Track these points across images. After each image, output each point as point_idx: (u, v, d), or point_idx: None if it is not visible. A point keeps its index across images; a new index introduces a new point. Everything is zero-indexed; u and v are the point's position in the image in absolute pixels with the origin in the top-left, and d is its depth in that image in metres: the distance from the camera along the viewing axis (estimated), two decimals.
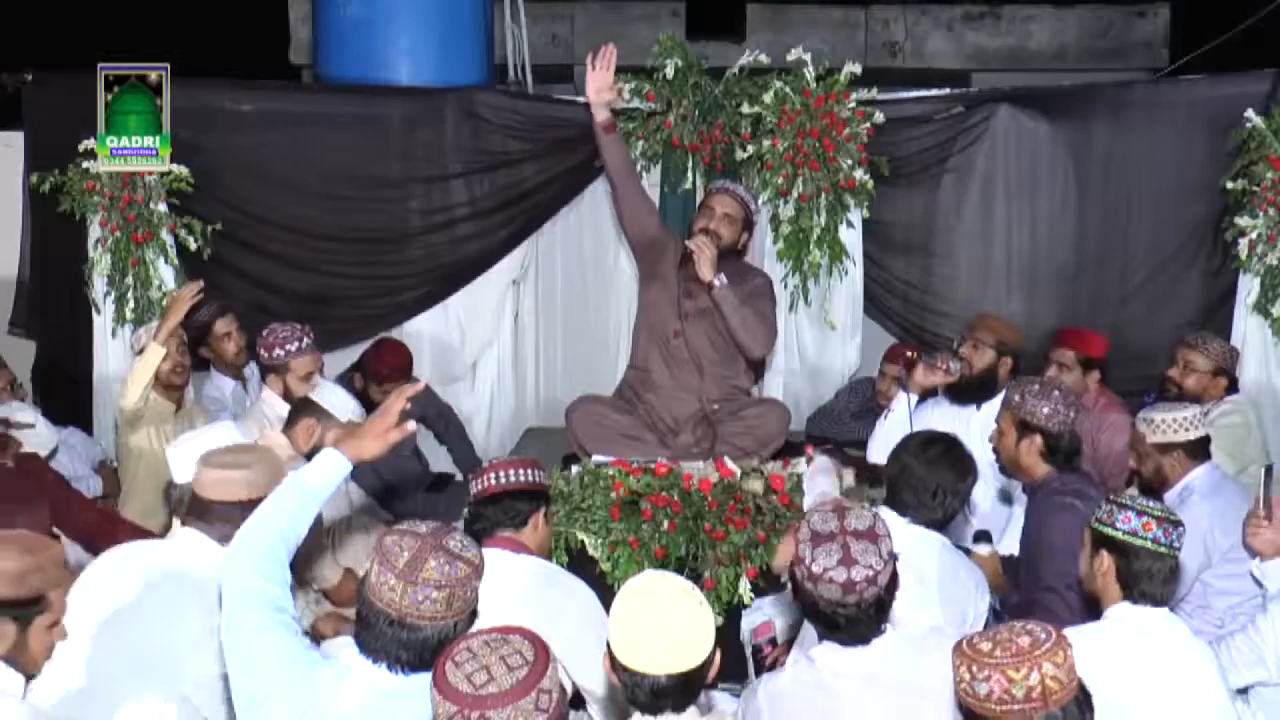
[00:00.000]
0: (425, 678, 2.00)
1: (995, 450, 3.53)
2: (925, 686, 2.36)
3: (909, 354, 4.36)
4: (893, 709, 2.38)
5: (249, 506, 2.58)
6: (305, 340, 4.16)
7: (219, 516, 2.66)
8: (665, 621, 2.04)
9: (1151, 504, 2.76)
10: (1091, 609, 2.81)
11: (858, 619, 2.36)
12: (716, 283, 4.28)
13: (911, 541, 2.87)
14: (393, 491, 4.67)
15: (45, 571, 2.39)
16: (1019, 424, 3.44)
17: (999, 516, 3.97)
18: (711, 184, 4.70)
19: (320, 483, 2.41)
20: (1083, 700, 2.05)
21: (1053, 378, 4.39)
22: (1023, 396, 3.44)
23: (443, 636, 2.06)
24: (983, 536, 3.49)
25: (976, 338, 4.28)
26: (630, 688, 2.06)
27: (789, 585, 2.55)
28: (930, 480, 3.02)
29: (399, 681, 2.09)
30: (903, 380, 4.37)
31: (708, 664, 2.11)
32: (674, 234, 4.60)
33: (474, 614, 2.15)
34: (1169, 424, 3.60)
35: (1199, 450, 3.63)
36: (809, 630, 2.75)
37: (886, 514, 2.98)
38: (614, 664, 2.09)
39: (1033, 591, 3.28)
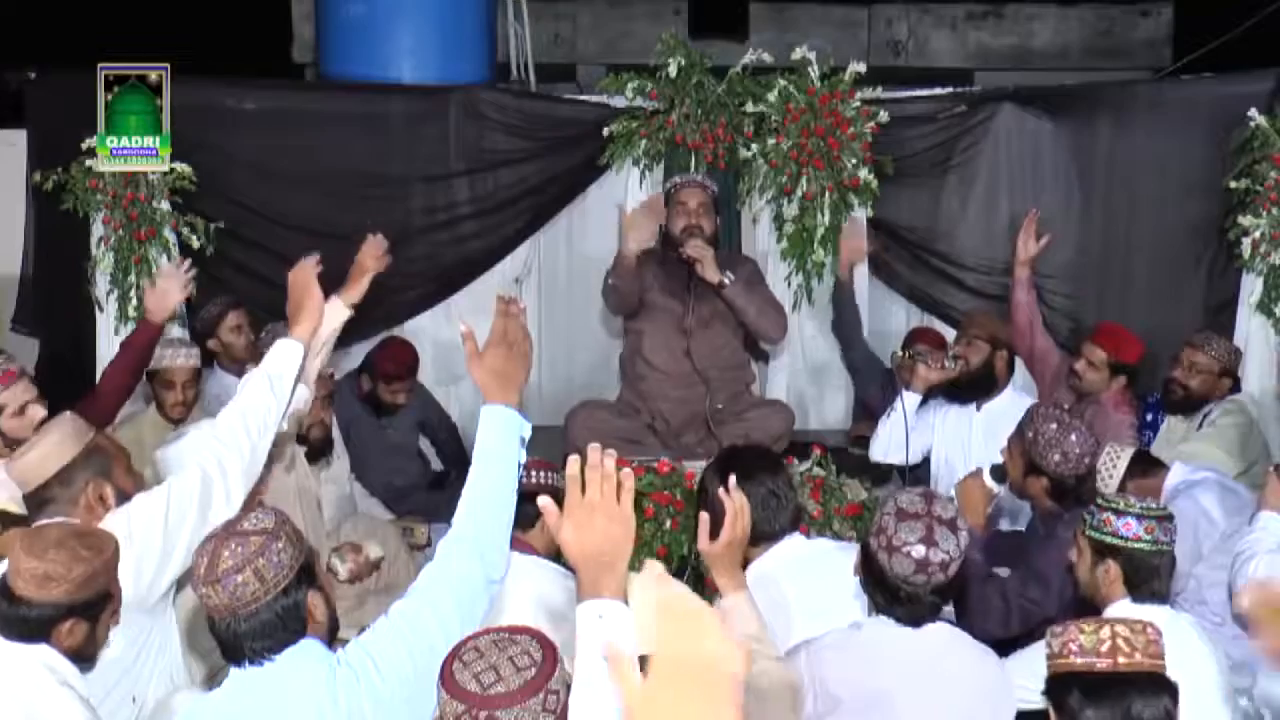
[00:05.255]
0: (290, 653, 2.06)
1: (1005, 466, 3.40)
2: (962, 681, 2.39)
3: (903, 354, 4.34)
4: (926, 693, 2.43)
5: (66, 473, 2.62)
6: None
7: (51, 498, 2.65)
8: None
9: (1144, 504, 2.77)
10: (1085, 609, 2.80)
11: (919, 599, 2.44)
12: (726, 281, 4.26)
13: (839, 556, 2.86)
14: (395, 491, 4.68)
15: (110, 569, 2.40)
16: (1027, 461, 3.32)
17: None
18: (672, 180, 4.60)
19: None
20: (1160, 681, 2.06)
21: (1080, 371, 4.39)
22: (1036, 435, 3.28)
23: (284, 609, 2.07)
24: (997, 473, 3.36)
25: (970, 335, 4.28)
26: None
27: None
28: (759, 490, 2.88)
29: (267, 669, 2.08)
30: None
31: None
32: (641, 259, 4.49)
33: (308, 571, 2.14)
34: (1102, 483, 3.48)
35: (1146, 469, 3.57)
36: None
37: (779, 550, 2.92)
38: None
39: (984, 580, 3.27)
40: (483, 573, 2.16)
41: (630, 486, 1.78)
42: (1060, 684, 2.11)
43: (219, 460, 2.63)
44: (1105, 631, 2.05)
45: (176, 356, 4.25)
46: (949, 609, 3.31)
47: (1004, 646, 3.36)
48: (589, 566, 1.75)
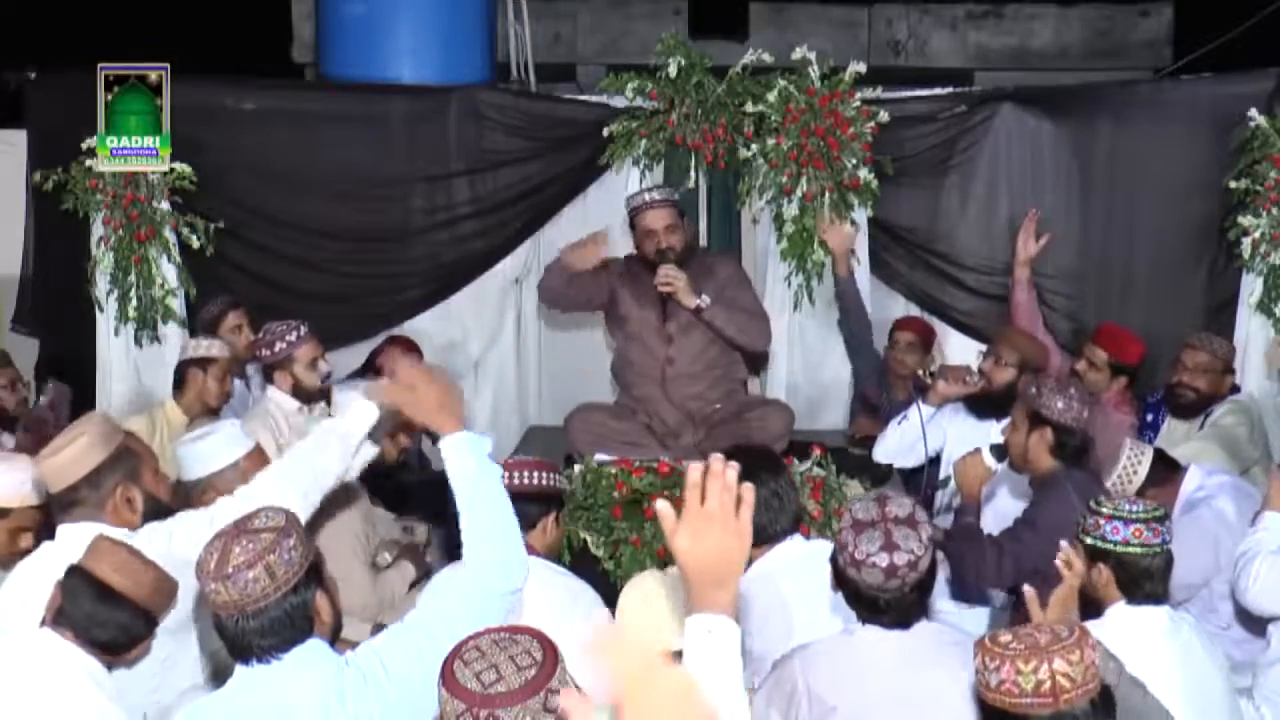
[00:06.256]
0: (297, 652, 2.08)
1: (1007, 443, 3.52)
2: (956, 678, 2.38)
3: (921, 373, 4.34)
4: (922, 692, 2.41)
5: (96, 475, 2.62)
6: (301, 329, 4.17)
7: (79, 500, 2.66)
8: (675, 600, 2.04)
9: (1133, 507, 2.76)
10: (1089, 611, 2.80)
11: (900, 602, 2.43)
12: (702, 304, 4.26)
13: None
14: (394, 491, 4.67)
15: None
16: (1031, 415, 3.46)
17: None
18: (630, 202, 4.50)
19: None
20: (1100, 702, 2.02)
21: (1081, 372, 4.40)
22: (1038, 390, 3.48)
23: (293, 607, 2.08)
24: (996, 452, 3.50)
25: (999, 353, 4.23)
26: None
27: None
28: (760, 491, 2.92)
29: (274, 668, 2.09)
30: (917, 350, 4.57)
31: None
32: (609, 270, 4.49)
33: (316, 570, 2.16)
34: (1122, 484, 3.52)
35: (1165, 472, 3.57)
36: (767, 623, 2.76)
37: (780, 551, 2.96)
38: None
39: (978, 536, 3.41)
40: (505, 585, 2.20)
41: (750, 500, 1.67)
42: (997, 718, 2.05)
43: (279, 500, 2.60)
44: (1044, 671, 1.97)
45: (212, 347, 4.41)
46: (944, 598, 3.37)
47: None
48: (701, 579, 1.69)
